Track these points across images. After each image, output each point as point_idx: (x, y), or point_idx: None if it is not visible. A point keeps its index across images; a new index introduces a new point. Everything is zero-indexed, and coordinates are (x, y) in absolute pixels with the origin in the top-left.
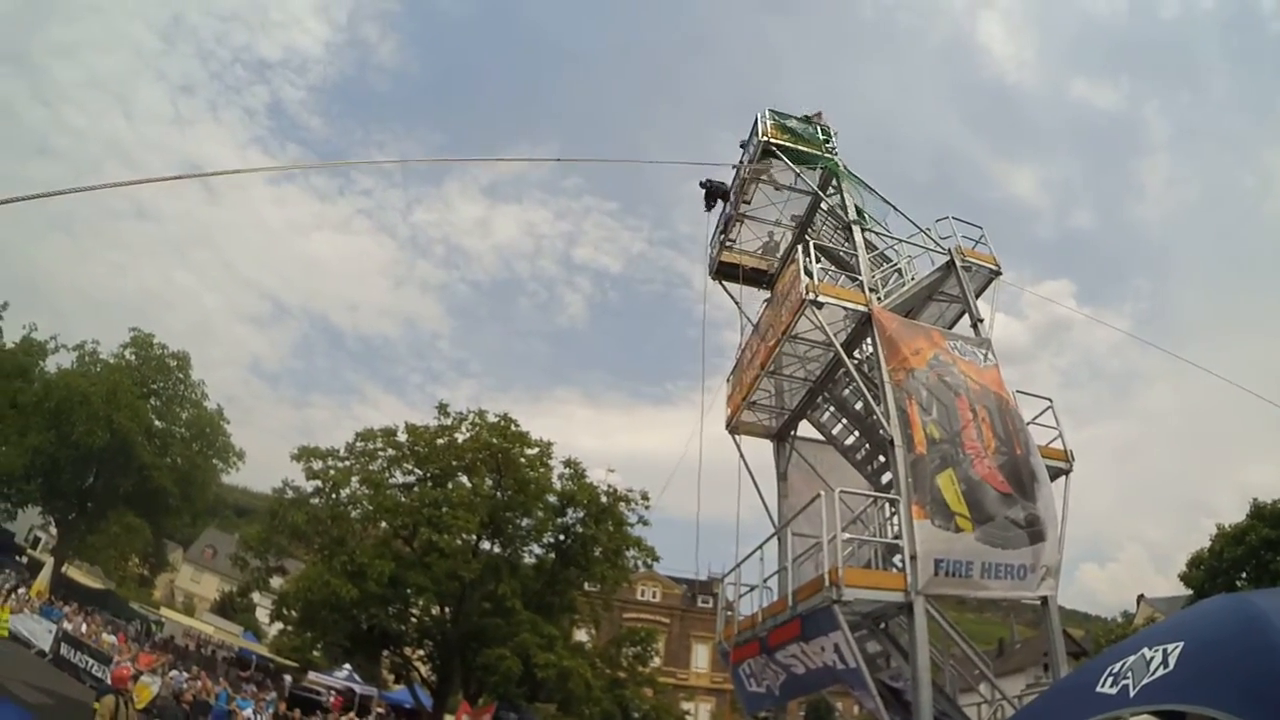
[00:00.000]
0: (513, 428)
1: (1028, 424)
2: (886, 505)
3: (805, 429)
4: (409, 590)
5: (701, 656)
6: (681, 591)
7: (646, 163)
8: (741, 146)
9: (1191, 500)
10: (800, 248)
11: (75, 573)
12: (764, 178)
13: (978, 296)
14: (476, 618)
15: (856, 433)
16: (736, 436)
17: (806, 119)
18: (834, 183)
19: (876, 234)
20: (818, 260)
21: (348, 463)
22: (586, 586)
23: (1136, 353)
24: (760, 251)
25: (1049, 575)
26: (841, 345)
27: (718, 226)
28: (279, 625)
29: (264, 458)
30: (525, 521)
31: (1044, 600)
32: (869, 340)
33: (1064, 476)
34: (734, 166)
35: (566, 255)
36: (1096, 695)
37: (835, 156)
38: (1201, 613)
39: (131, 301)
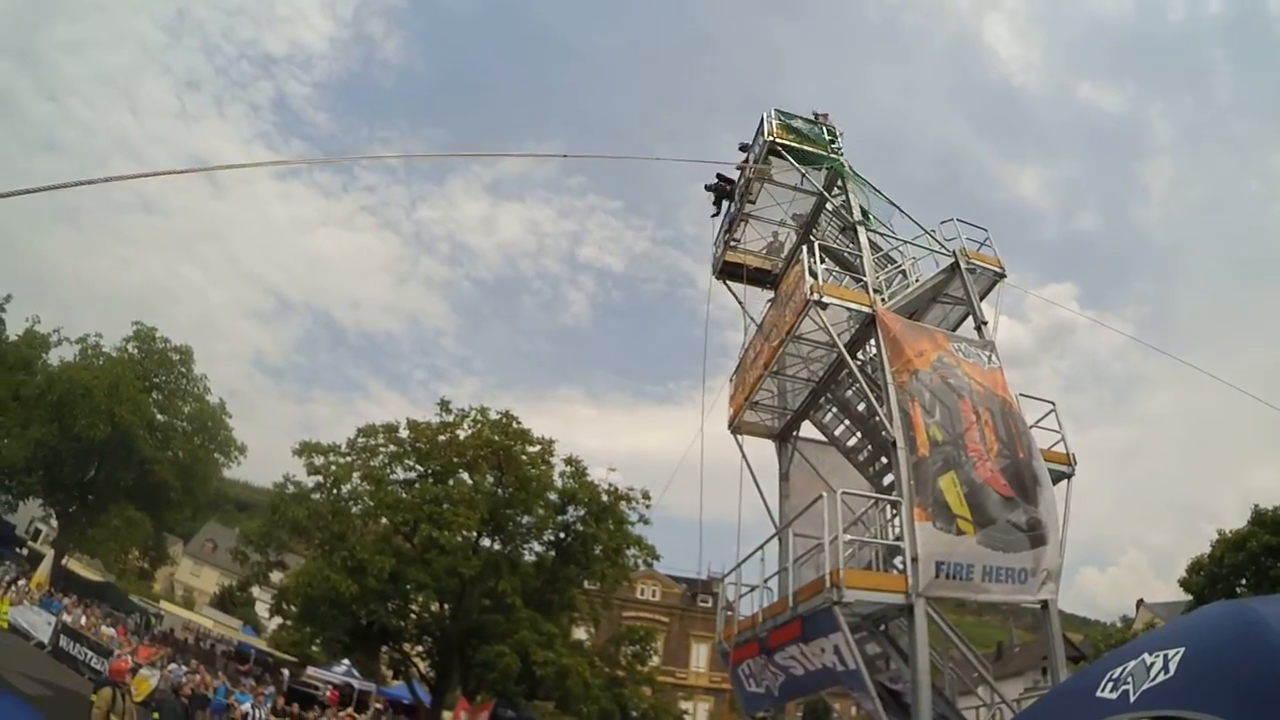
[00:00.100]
0: (514, 425)
1: (1030, 427)
2: (888, 507)
3: (807, 430)
4: (409, 586)
5: (700, 656)
6: (681, 591)
7: (652, 159)
8: (741, 149)
9: (1192, 505)
10: (805, 248)
11: (75, 565)
12: (769, 178)
13: (982, 299)
14: (476, 614)
15: (859, 434)
16: (739, 436)
17: (813, 119)
18: (839, 183)
19: (881, 235)
20: (822, 261)
21: (349, 458)
22: (586, 585)
23: (1139, 357)
24: (765, 251)
25: (1050, 579)
26: (845, 346)
27: (722, 225)
28: (278, 620)
29: (266, 452)
30: (526, 519)
31: (1044, 604)
32: (873, 341)
33: (1066, 480)
34: (739, 167)
35: (570, 254)
36: (1097, 700)
37: (841, 157)
38: (1202, 619)
39: (136, 295)
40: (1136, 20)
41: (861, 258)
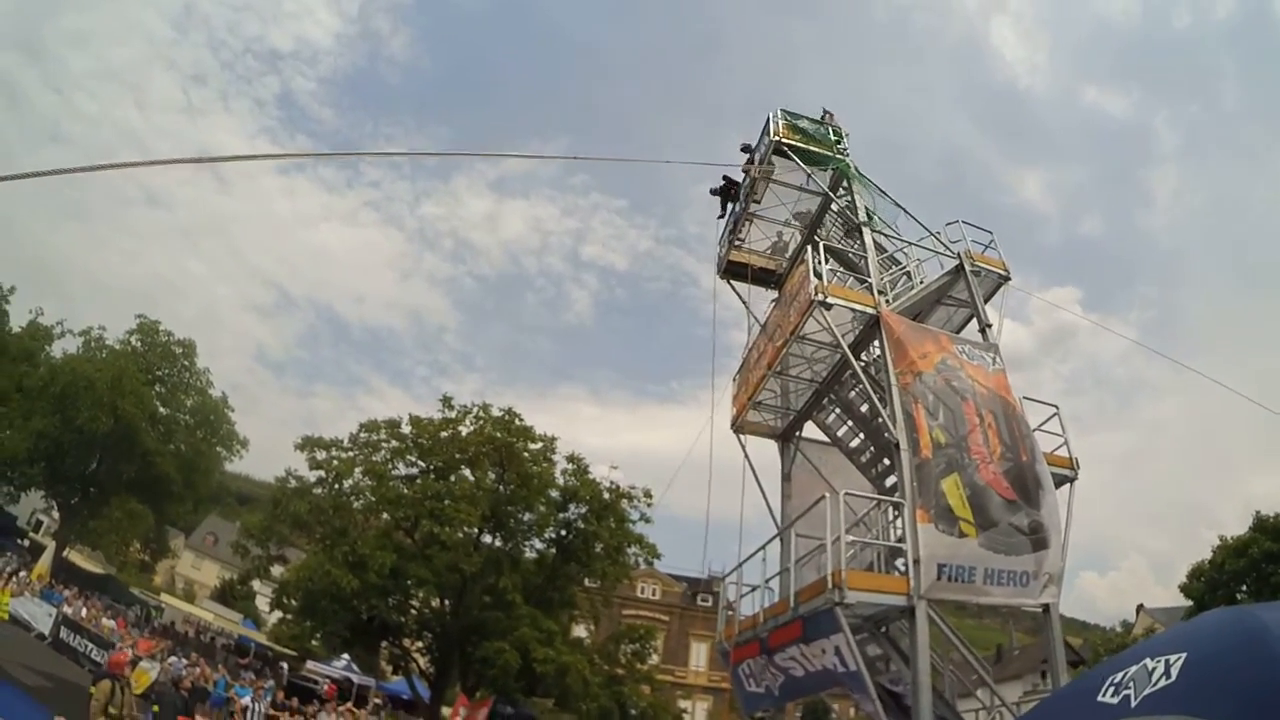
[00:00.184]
0: (517, 422)
1: (1034, 430)
2: (890, 508)
3: (810, 430)
4: (409, 582)
5: (700, 655)
6: (681, 589)
7: (661, 162)
8: (744, 150)
9: (1193, 511)
10: (810, 249)
11: (76, 557)
12: (774, 177)
13: (986, 301)
14: (476, 611)
15: (862, 435)
16: (741, 436)
17: (820, 119)
18: (845, 184)
19: (886, 236)
20: (827, 261)
21: (351, 453)
22: (587, 582)
23: (1141, 361)
24: (769, 251)
25: (1051, 583)
26: (849, 347)
27: (727, 225)
28: (279, 614)
29: (268, 446)
30: (527, 516)
31: (1046, 608)
32: (877, 343)
33: (1069, 484)
34: (744, 168)
35: (574, 252)
36: (1098, 704)
37: (846, 158)
38: (1204, 624)
39: (139, 288)
40: (1143, 24)
41: (866, 259)
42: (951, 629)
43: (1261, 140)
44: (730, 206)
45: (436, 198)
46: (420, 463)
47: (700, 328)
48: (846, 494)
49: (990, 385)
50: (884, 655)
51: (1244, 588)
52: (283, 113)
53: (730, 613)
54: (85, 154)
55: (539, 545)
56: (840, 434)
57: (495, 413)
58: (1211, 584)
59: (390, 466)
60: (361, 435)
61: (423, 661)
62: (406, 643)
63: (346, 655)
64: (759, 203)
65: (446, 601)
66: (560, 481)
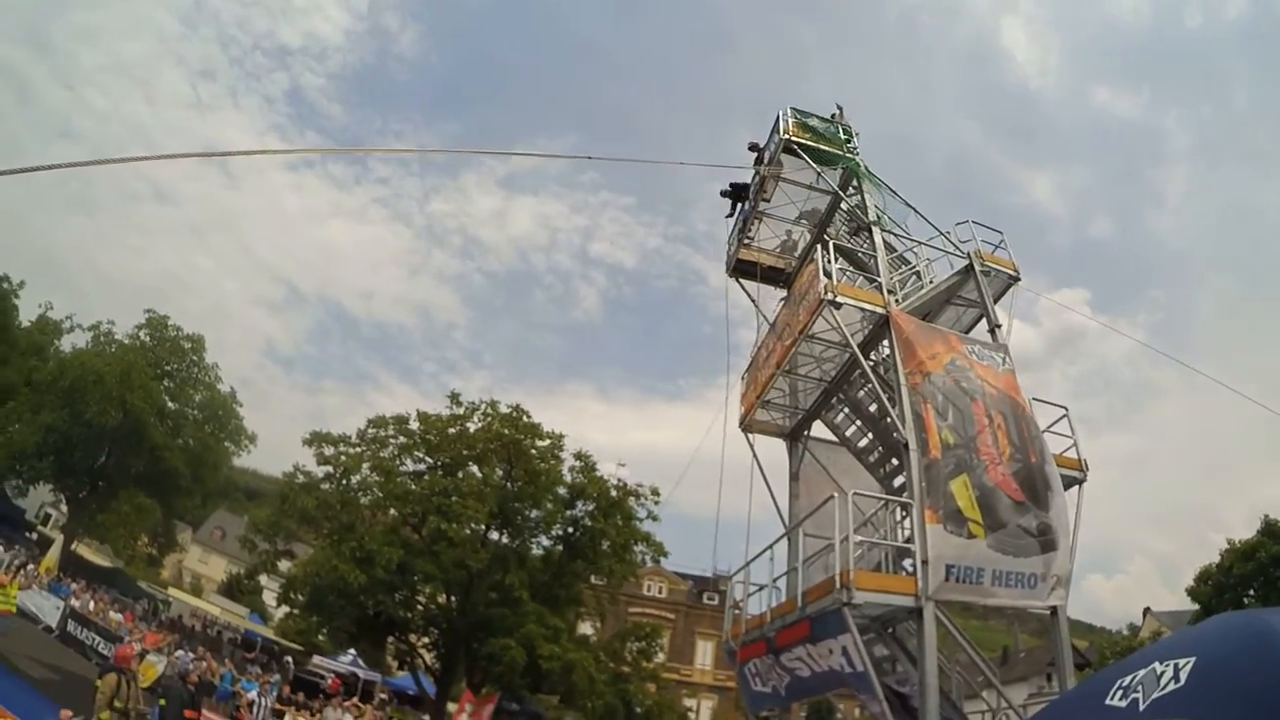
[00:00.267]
0: (524, 419)
1: (1043, 431)
2: (898, 509)
3: (819, 430)
4: (416, 578)
5: (705, 653)
6: (687, 588)
7: (675, 163)
8: (751, 149)
9: (1201, 515)
10: (819, 248)
11: (84, 550)
12: (784, 176)
13: (996, 301)
14: (483, 607)
15: (870, 435)
16: (749, 435)
17: (830, 117)
18: (854, 183)
19: (896, 235)
20: (836, 260)
21: (359, 449)
22: (593, 580)
23: (1150, 364)
24: (778, 250)
25: (1059, 585)
26: (858, 346)
27: (736, 223)
28: (285, 608)
29: (276, 441)
30: (534, 513)
31: (1053, 610)
32: (886, 342)
33: (1077, 486)
34: (753, 167)
35: (582, 249)
36: (1106, 707)
37: (856, 156)
38: (1212, 628)
39: (148, 283)
40: (1153, 25)
41: (875, 258)
42: (959, 630)
43: (1273, 142)
44: (740, 205)
45: (445, 194)
46: (428, 459)
47: (708, 326)
48: (855, 494)
49: (1000, 386)
50: (891, 656)
51: (1251, 592)
52: (292, 109)
53: (737, 612)
54: (95, 149)
55: (546, 542)
56: (849, 433)
57: (503, 409)
58: (1219, 588)
59: (398, 462)
60: (370, 431)
61: (429, 657)
62: (413, 638)
63: (353, 650)
64: (768, 201)
65: (453, 598)
66: (568, 479)
